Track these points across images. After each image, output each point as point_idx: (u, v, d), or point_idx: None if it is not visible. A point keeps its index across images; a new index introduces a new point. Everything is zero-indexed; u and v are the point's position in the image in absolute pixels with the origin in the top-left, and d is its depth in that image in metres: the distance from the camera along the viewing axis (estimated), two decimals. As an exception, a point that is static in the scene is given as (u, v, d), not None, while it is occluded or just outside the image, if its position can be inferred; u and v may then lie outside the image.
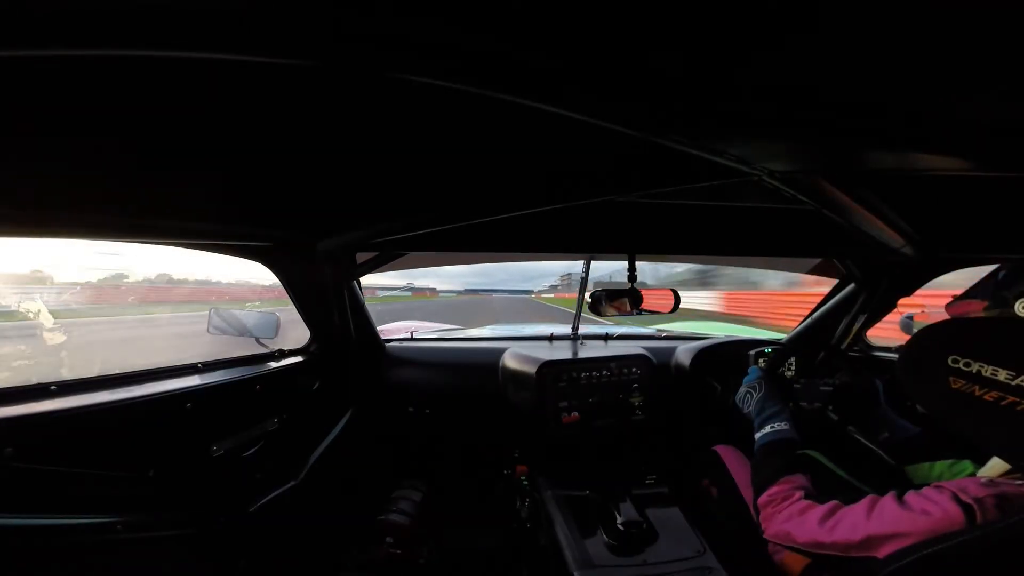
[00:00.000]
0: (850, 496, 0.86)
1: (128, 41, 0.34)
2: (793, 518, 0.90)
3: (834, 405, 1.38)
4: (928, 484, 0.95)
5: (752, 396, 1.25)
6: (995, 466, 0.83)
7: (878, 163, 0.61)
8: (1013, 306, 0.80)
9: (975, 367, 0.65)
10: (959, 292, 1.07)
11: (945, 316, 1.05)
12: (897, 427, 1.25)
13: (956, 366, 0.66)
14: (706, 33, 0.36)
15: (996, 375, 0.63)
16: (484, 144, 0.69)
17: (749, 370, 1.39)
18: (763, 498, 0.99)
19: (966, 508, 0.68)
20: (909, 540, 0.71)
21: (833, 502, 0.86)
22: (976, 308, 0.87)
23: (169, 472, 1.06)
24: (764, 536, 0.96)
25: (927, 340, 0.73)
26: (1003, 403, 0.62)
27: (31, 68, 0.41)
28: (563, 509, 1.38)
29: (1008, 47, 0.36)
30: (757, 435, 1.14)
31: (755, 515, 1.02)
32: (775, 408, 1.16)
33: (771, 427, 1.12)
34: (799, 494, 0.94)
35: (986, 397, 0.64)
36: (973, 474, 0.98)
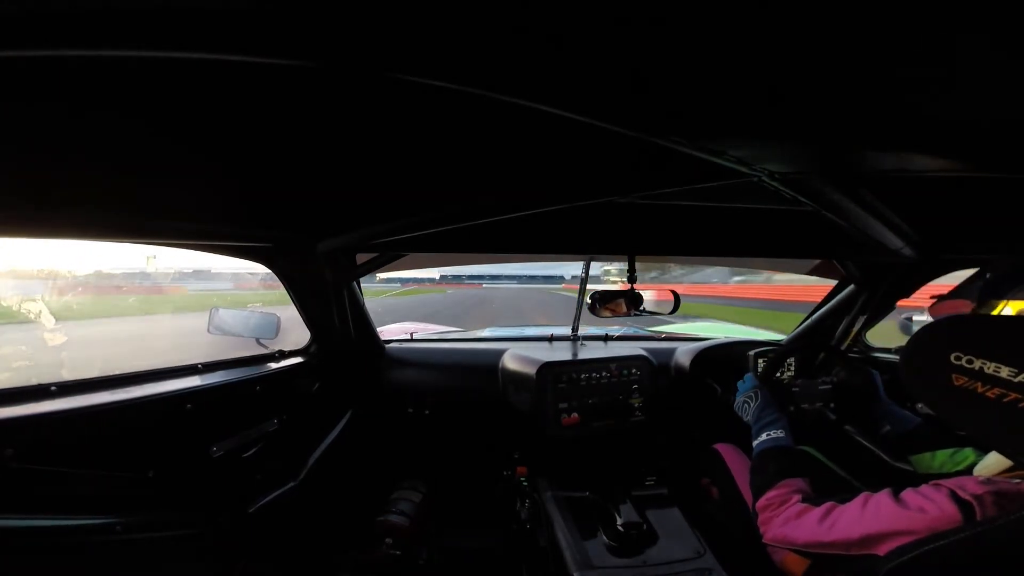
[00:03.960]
0: (847, 494, 0.86)
1: (130, 42, 0.34)
2: (790, 521, 0.91)
3: (835, 403, 1.38)
4: (930, 473, 0.97)
5: (750, 405, 1.27)
6: (992, 464, 0.84)
7: (877, 164, 0.61)
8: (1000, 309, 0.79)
9: (977, 364, 0.65)
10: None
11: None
12: (898, 419, 1.25)
13: (958, 363, 0.67)
14: (705, 34, 0.36)
15: (998, 372, 0.63)
16: (484, 145, 0.69)
17: (745, 377, 1.39)
18: (761, 502, 1.00)
19: (965, 505, 0.68)
20: (909, 538, 0.71)
21: (828, 503, 0.87)
22: (963, 310, 0.87)
23: (169, 473, 1.06)
24: (764, 541, 0.97)
25: (929, 338, 0.73)
26: (1005, 400, 0.62)
27: (33, 68, 0.41)
28: (563, 510, 1.38)
29: (1007, 48, 0.36)
30: (755, 443, 1.15)
31: (755, 519, 1.02)
32: (772, 416, 1.18)
33: (767, 435, 1.13)
34: (796, 497, 0.95)
35: (988, 394, 0.64)
36: (975, 463, 0.99)
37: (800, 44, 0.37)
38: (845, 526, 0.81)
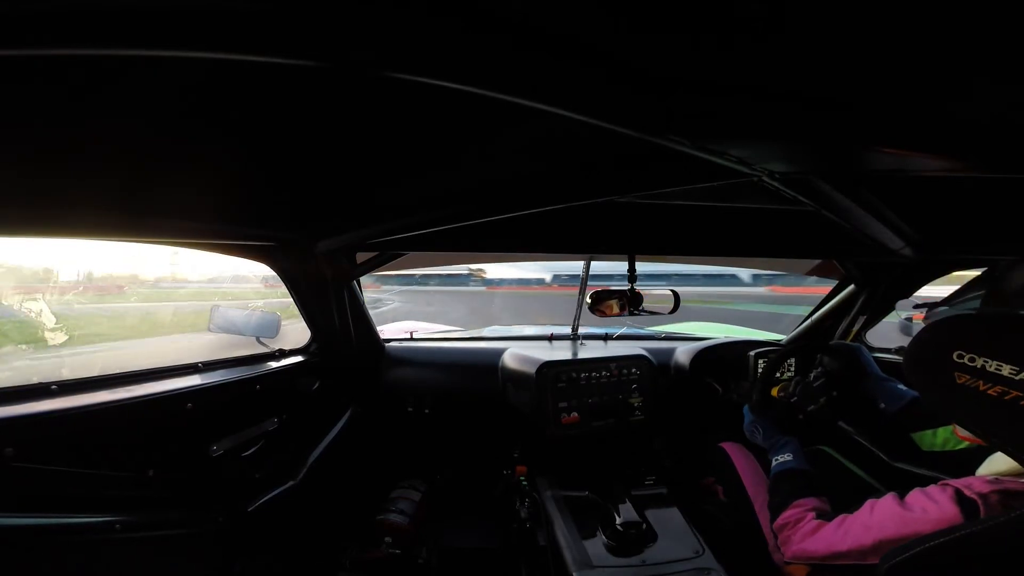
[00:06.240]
0: (862, 495, 0.89)
1: (132, 41, 0.34)
2: (807, 537, 0.94)
3: (836, 391, 1.36)
4: (933, 452, 1.05)
5: (757, 436, 1.31)
6: (1000, 468, 0.84)
7: (878, 164, 0.61)
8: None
9: (979, 362, 0.65)
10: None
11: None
12: (892, 394, 1.25)
13: (961, 361, 0.67)
14: (704, 32, 0.36)
15: (1000, 370, 0.63)
16: (484, 144, 0.69)
17: (744, 410, 1.40)
18: (777, 522, 1.03)
19: (969, 503, 0.69)
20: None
21: (841, 516, 0.91)
22: None
23: (169, 472, 1.06)
24: (785, 560, 1.00)
25: (932, 336, 0.73)
26: (1007, 398, 0.63)
27: (33, 67, 0.41)
28: (562, 509, 1.38)
29: (1007, 47, 0.36)
30: (772, 466, 1.20)
31: (772, 538, 1.06)
32: (779, 441, 1.22)
33: (776, 460, 1.18)
34: (811, 515, 0.98)
35: (990, 392, 0.64)
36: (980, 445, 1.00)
37: (800, 43, 0.37)
38: (857, 534, 0.83)
